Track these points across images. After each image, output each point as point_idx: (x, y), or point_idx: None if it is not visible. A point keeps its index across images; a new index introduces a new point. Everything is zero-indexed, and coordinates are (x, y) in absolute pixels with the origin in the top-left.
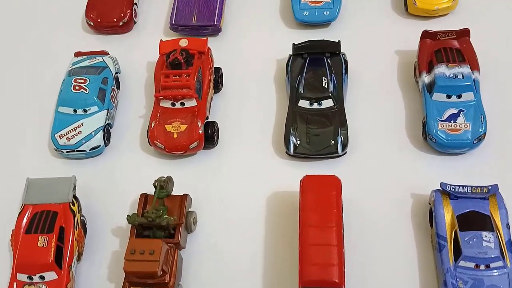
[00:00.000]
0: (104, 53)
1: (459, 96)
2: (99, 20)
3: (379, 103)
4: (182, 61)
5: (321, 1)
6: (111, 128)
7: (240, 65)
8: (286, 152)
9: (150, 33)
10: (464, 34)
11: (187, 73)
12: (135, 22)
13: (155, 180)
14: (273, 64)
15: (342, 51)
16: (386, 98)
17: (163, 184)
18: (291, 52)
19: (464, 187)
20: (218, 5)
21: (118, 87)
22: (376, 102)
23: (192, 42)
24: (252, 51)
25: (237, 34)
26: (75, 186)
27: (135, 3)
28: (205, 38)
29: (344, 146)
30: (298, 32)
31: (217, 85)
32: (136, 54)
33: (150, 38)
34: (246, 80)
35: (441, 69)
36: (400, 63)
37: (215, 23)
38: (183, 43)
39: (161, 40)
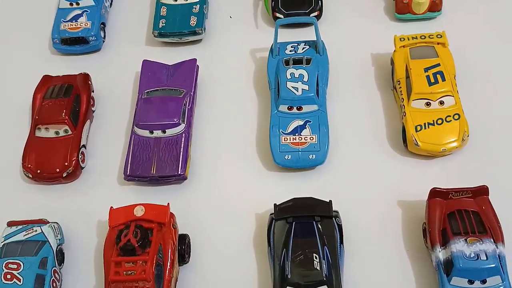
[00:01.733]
0: (42, 222)
1: (484, 281)
2: (38, 171)
3: (385, 281)
4: (136, 245)
5: (306, 142)
6: None
7: (213, 225)
8: None
9: (101, 184)
10: (481, 192)
11: (144, 259)
12: (82, 168)
13: None
14: (252, 222)
15: (334, 208)
16: (393, 276)
17: None
18: (273, 214)
19: None
20: (182, 150)
21: (62, 261)
22: (381, 280)
23: (150, 211)
24: (227, 205)
25: (207, 183)
26: None
27: (83, 145)
28: (167, 205)
29: None
30: (279, 175)
31: (183, 258)
32: (84, 213)
33: (101, 189)
34: (220, 248)
35: (459, 246)
36: (406, 220)
37: (179, 172)
38: (139, 212)
39: (111, 208)
